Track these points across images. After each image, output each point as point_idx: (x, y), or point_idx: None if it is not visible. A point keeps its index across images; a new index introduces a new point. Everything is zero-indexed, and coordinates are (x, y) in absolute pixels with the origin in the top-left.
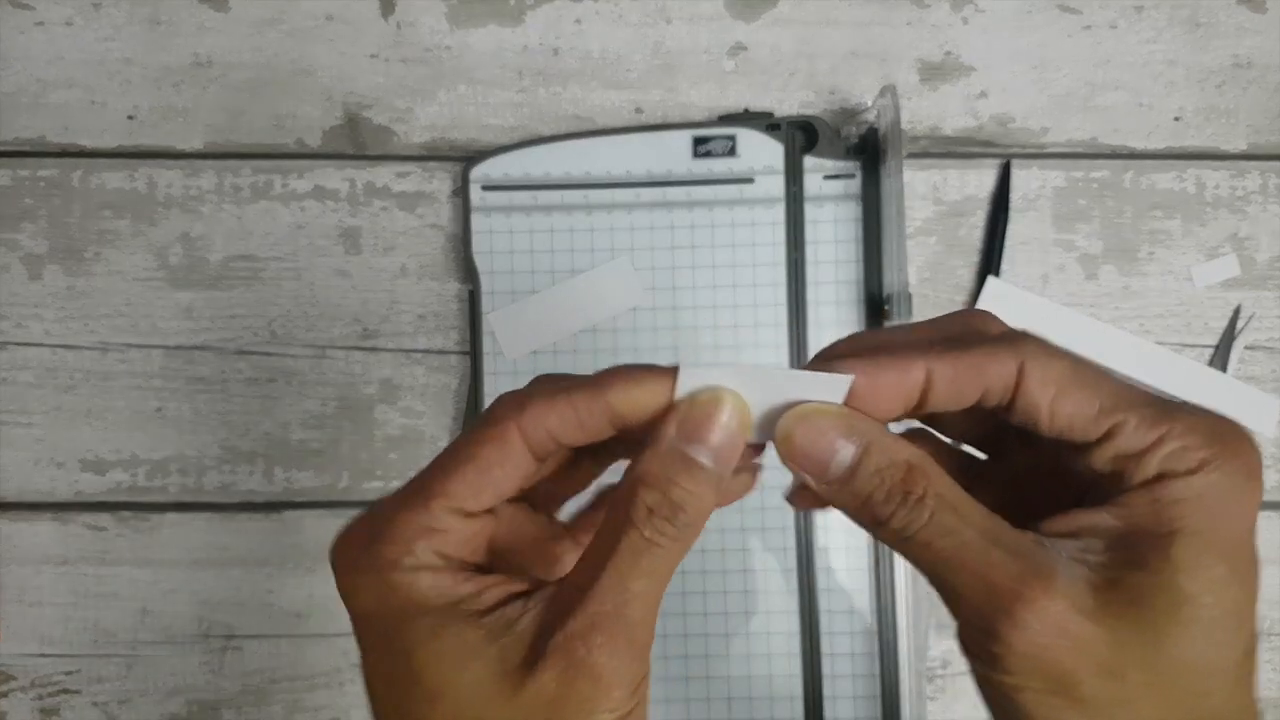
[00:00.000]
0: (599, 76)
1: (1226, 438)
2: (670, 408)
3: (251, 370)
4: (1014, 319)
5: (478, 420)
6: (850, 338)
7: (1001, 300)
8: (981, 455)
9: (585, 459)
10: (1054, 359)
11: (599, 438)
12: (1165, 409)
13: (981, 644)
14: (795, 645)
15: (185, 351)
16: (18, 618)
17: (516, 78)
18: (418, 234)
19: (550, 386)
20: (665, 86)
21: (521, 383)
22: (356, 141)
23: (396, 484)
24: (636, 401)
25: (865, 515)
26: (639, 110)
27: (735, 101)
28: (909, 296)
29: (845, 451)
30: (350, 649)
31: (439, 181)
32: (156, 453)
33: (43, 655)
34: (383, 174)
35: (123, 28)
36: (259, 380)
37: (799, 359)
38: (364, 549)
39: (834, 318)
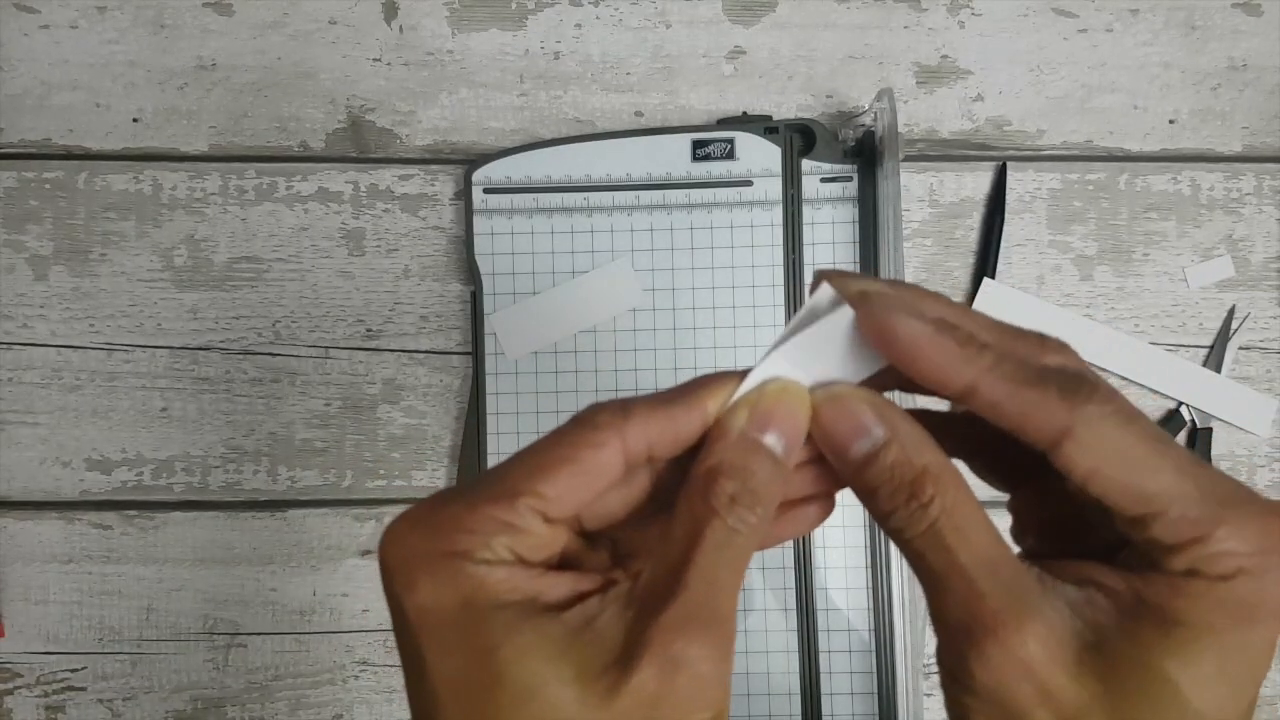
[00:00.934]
0: (599, 80)
1: (1274, 544)
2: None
3: (256, 370)
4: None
5: (572, 423)
6: (928, 296)
7: (997, 301)
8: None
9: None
10: (1108, 430)
11: (686, 446)
12: (1215, 506)
13: (951, 663)
14: (793, 643)
15: (190, 352)
16: (23, 616)
17: (518, 81)
18: (420, 236)
19: (646, 398)
20: (665, 90)
21: (522, 383)
22: (360, 144)
23: (400, 483)
24: (723, 399)
25: (871, 505)
26: (639, 114)
27: (734, 105)
28: None
29: (868, 440)
30: (354, 645)
31: (441, 184)
32: (161, 452)
33: (48, 653)
34: (385, 176)
35: (127, 30)
36: (263, 380)
37: None
38: (429, 539)
39: None
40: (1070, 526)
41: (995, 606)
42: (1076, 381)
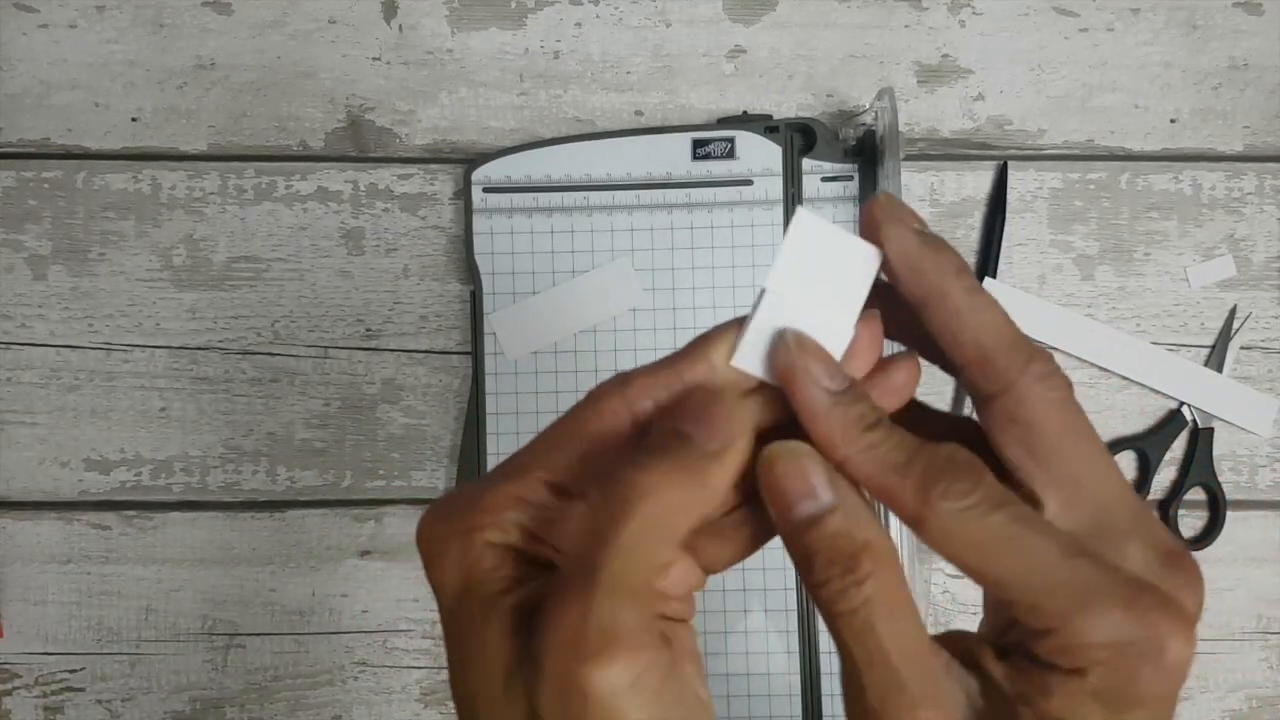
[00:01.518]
0: (599, 79)
1: (1138, 639)
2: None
3: (255, 370)
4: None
5: (578, 403)
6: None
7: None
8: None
9: None
10: (965, 521)
11: None
12: (1075, 596)
13: None
14: (794, 643)
15: (189, 352)
16: (22, 616)
17: (517, 80)
18: (420, 235)
19: (647, 365)
20: (665, 89)
21: (522, 382)
22: (359, 143)
23: (399, 483)
24: (727, 348)
25: (805, 572)
26: (639, 113)
27: (734, 104)
28: None
29: (814, 504)
30: (353, 646)
31: (441, 183)
32: (160, 452)
33: (47, 653)
34: (385, 176)
35: (126, 30)
36: (262, 380)
37: None
38: (447, 520)
39: None
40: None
41: (906, 704)
42: (941, 469)
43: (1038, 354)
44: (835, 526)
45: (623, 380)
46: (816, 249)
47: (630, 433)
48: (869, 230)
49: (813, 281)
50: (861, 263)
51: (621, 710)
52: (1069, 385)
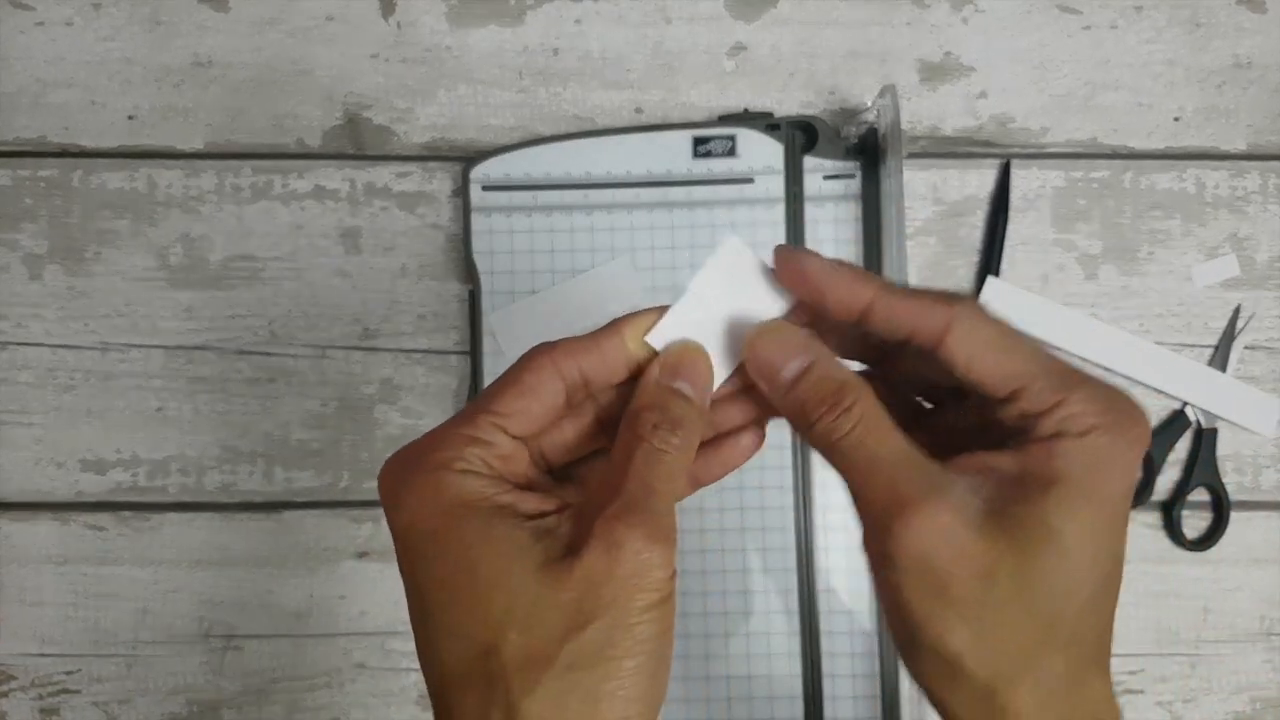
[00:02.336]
0: (599, 76)
1: (1119, 409)
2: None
3: (252, 370)
4: (1014, 319)
5: (515, 362)
6: (815, 256)
7: (1001, 300)
8: (927, 405)
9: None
10: (980, 322)
11: (615, 378)
12: (1068, 378)
13: (879, 544)
14: (795, 645)
15: (185, 351)
16: (18, 618)
17: (517, 78)
18: (418, 234)
19: (574, 337)
20: (665, 86)
21: None
22: (357, 141)
23: None
24: (640, 330)
25: (800, 418)
26: (639, 110)
27: (735, 102)
28: None
29: (795, 363)
30: (351, 647)
31: (439, 181)
32: (157, 453)
33: (43, 655)
34: (383, 174)
35: (123, 28)
36: (259, 380)
37: None
38: (415, 460)
39: None
40: (959, 444)
41: (913, 488)
42: (949, 293)
43: (958, 297)
44: (817, 373)
45: (550, 347)
46: (736, 273)
47: (559, 398)
48: (784, 272)
49: (726, 297)
50: (768, 304)
51: (650, 565)
52: (985, 309)
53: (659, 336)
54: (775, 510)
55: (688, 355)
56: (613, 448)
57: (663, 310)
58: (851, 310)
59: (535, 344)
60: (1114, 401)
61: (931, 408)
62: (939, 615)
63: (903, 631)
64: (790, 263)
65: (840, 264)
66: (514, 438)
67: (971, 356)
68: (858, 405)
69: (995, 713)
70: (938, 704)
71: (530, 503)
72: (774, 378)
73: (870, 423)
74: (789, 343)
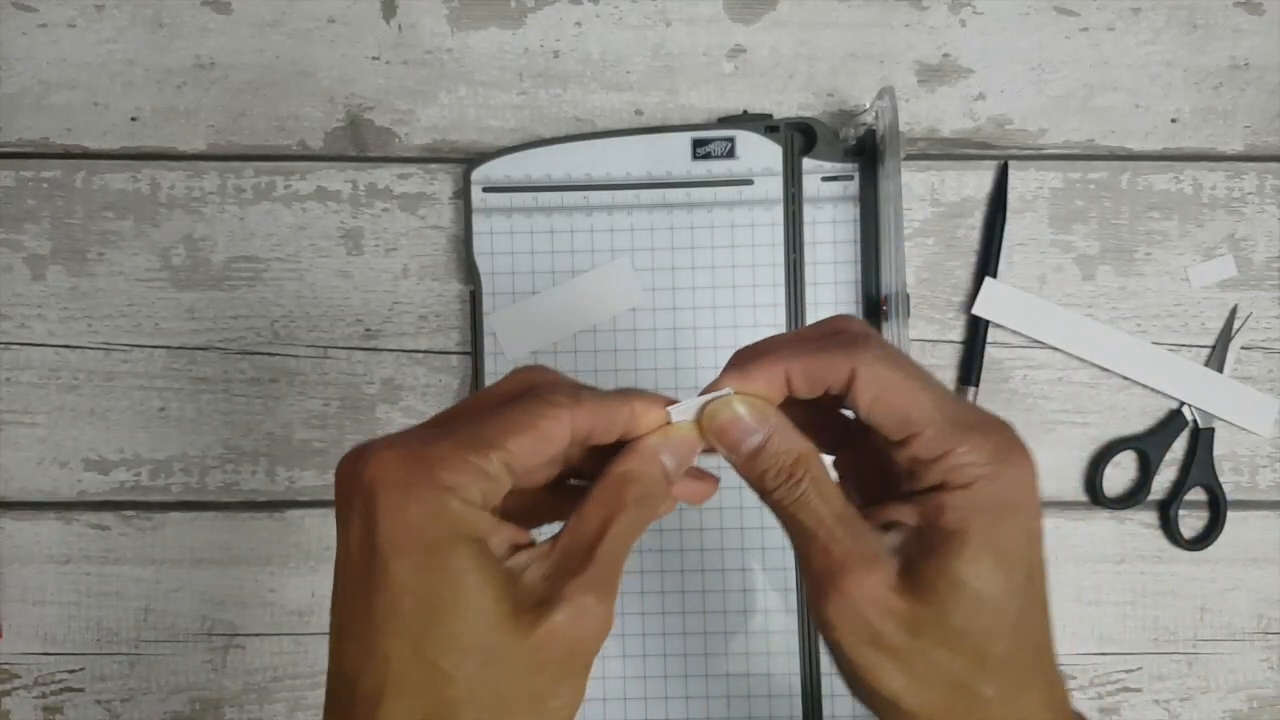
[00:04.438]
0: (599, 79)
1: (1001, 456)
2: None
3: (254, 370)
4: (1012, 319)
5: (534, 396)
6: (755, 345)
7: (999, 301)
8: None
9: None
10: (883, 365)
11: (608, 440)
12: (960, 424)
13: (818, 601)
14: (794, 644)
15: (188, 352)
16: (21, 616)
17: (517, 80)
18: (419, 235)
19: (592, 392)
20: (665, 88)
21: None
22: (358, 143)
23: None
24: (646, 415)
25: (759, 484)
26: (639, 112)
27: (734, 103)
28: (907, 297)
29: (754, 437)
30: None
31: (440, 183)
32: (159, 452)
33: (46, 654)
34: (384, 175)
35: (125, 29)
36: (261, 380)
37: None
38: (423, 472)
39: None
40: (879, 481)
41: (849, 551)
42: (854, 339)
43: (862, 340)
44: (772, 447)
45: (576, 397)
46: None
47: (565, 446)
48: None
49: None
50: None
51: (605, 627)
52: (890, 351)
53: (678, 413)
54: None
55: (681, 435)
56: (589, 499)
57: (668, 402)
58: (780, 388)
59: (549, 375)
60: (998, 449)
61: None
62: (875, 664)
63: (848, 677)
64: (723, 385)
65: (753, 361)
66: (513, 474)
67: (873, 400)
68: (807, 475)
69: (1030, 650)
70: None
71: (506, 536)
72: (737, 448)
73: (817, 490)
74: (749, 418)
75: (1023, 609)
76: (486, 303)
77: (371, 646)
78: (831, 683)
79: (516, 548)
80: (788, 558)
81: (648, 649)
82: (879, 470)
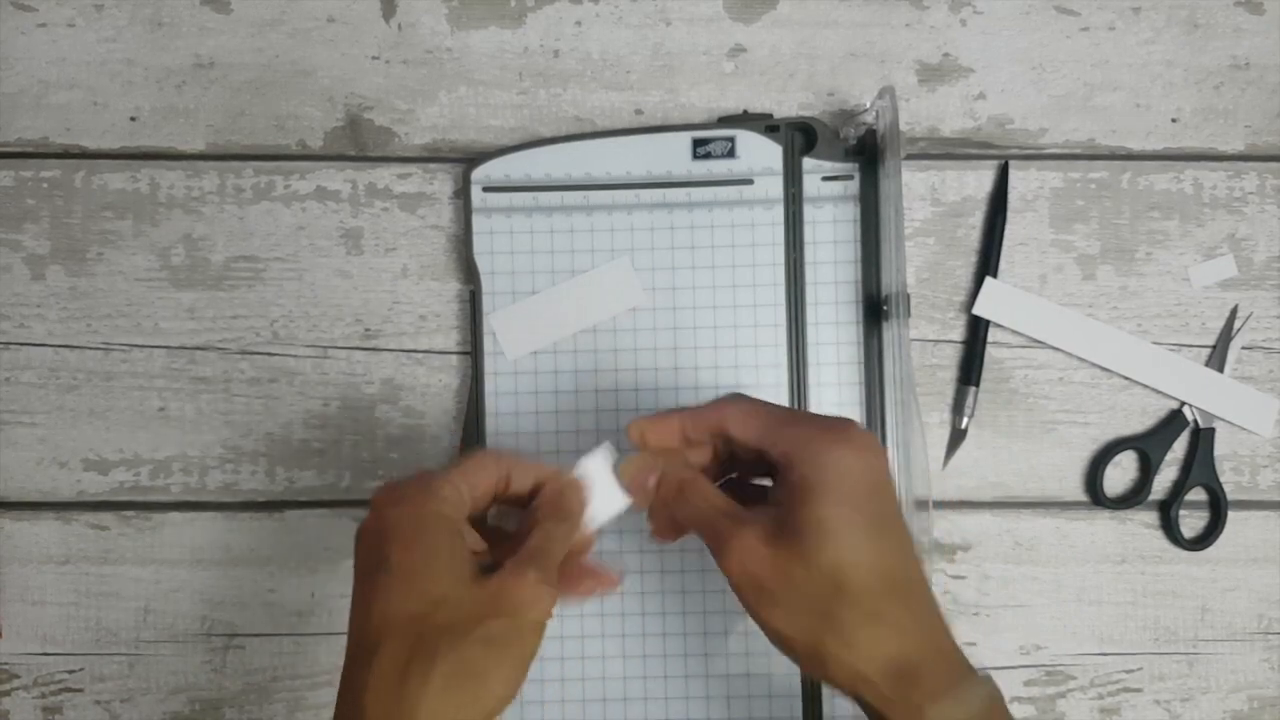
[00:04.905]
0: (599, 78)
1: (830, 425)
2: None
3: (253, 370)
4: (1012, 319)
5: (477, 455)
6: (656, 414)
7: (999, 300)
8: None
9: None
10: (741, 405)
11: (526, 488)
12: (793, 421)
13: (721, 567)
14: None
15: (187, 351)
16: (20, 617)
17: (517, 79)
18: (419, 235)
19: (517, 457)
20: (665, 88)
21: (522, 382)
22: (358, 143)
23: None
24: (546, 473)
25: (665, 509)
26: (639, 112)
27: (734, 103)
28: (907, 297)
29: (652, 478)
30: None
31: (440, 183)
32: (159, 452)
33: (45, 654)
34: (384, 175)
35: (124, 29)
36: (261, 380)
37: (797, 358)
38: (416, 483)
39: (833, 318)
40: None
41: (726, 527)
42: (726, 397)
43: (730, 398)
44: (666, 480)
45: (500, 458)
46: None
47: (497, 474)
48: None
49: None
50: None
51: (538, 594)
52: (749, 399)
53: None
54: None
55: (573, 488)
56: (522, 523)
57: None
58: (676, 437)
59: (490, 451)
60: (825, 423)
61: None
62: (759, 603)
63: (756, 621)
64: (639, 440)
65: (654, 418)
66: (469, 498)
67: (740, 429)
68: (690, 487)
69: (819, 663)
70: (795, 663)
71: (471, 534)
72: (642, 489)
73: (701, 495)
74: (645, 465)
75: (873, 540)
76: (486, 303)
77: (370, 610)
78: None
79: (477, 551)
80: None
81: (648, 649)
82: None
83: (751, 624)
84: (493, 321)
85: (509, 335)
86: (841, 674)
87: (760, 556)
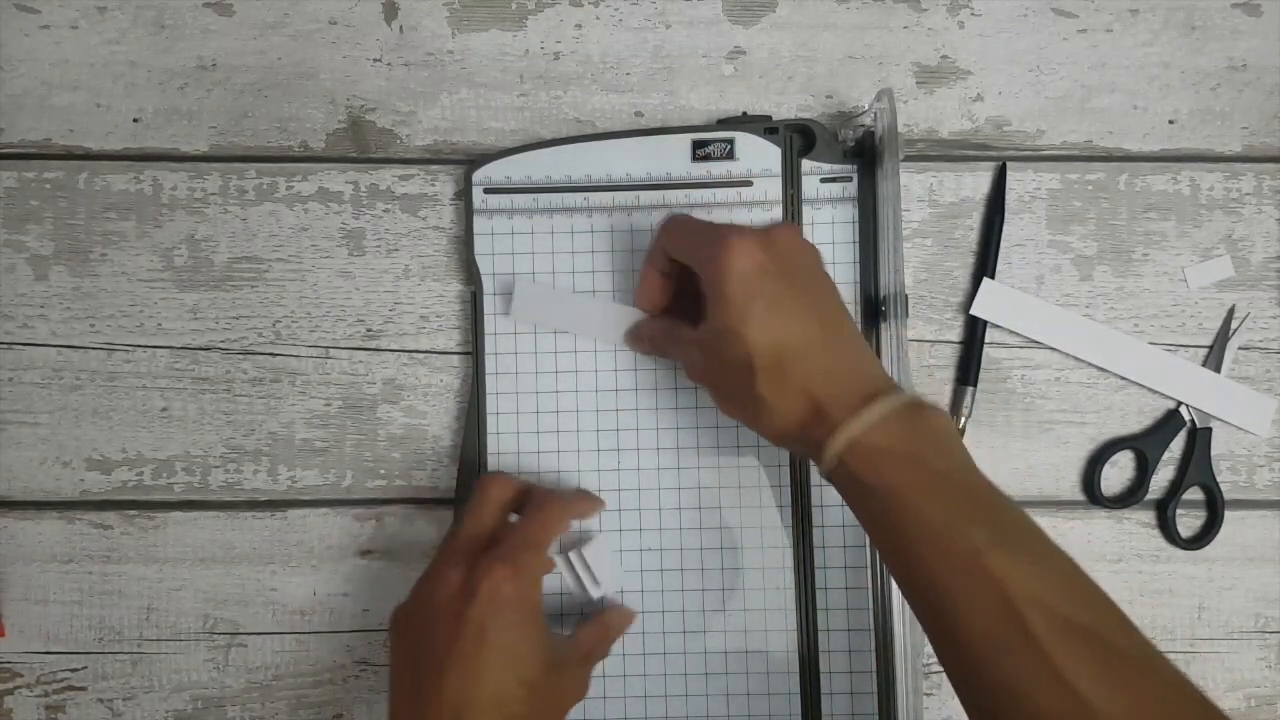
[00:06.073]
0: (599, 80)
1: (717, 242)
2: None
3: (256, 370)
4: (1010, 320)
5: (531, 508)
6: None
7: (997, 301)
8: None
9: None
10: (671, 234)
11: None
12: (694, 240)
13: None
14: (793, 642)
15: (190, 352)
16: (24, 615)
17: (518, 81)
18: (420, 236)
19: (532, 487)
20: (665, 90)
21: (522, 383)
22: (360, 144)
23: (400, 483)
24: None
25: (657, 350)
26: (639, 114)
27: (734, 105)
28: (905, 297)
29: (644, 327)
30: (354, 645)
31: (441, 184)
32: (162, 452)
33: (48, 652)
34: (386, 176)
35: (128, 31)
36: (263, 380)
37: None
38: (521, 564)
39: None
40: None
41: (679, 347)
42: (664, 223)
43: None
44: (650, 333)
45: (506, 481)
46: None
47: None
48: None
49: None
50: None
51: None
52: (688, 216)
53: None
54: (774, 508)
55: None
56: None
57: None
58: (662, 288)
59: (513, 482)
60: (713, 233)
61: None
62: (718, 402)
63: (735, 358)
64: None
65: (641, 287)
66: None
67: (676, 254)
68: (672, 333)
69: (762, 434)
70: (758, 398)
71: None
72: (642, 345)
73: (678, 335)
74: (637, 335)
75: (757, 327)
76: (487, 303)
77: (469, 678)
78: (830, 681)
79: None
80: (787, 557)
81: (647, 647)
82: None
83: (751, 621)
84: (518, 282)
85: (524, 302)
86: (775, 438)
87: (701, 365)
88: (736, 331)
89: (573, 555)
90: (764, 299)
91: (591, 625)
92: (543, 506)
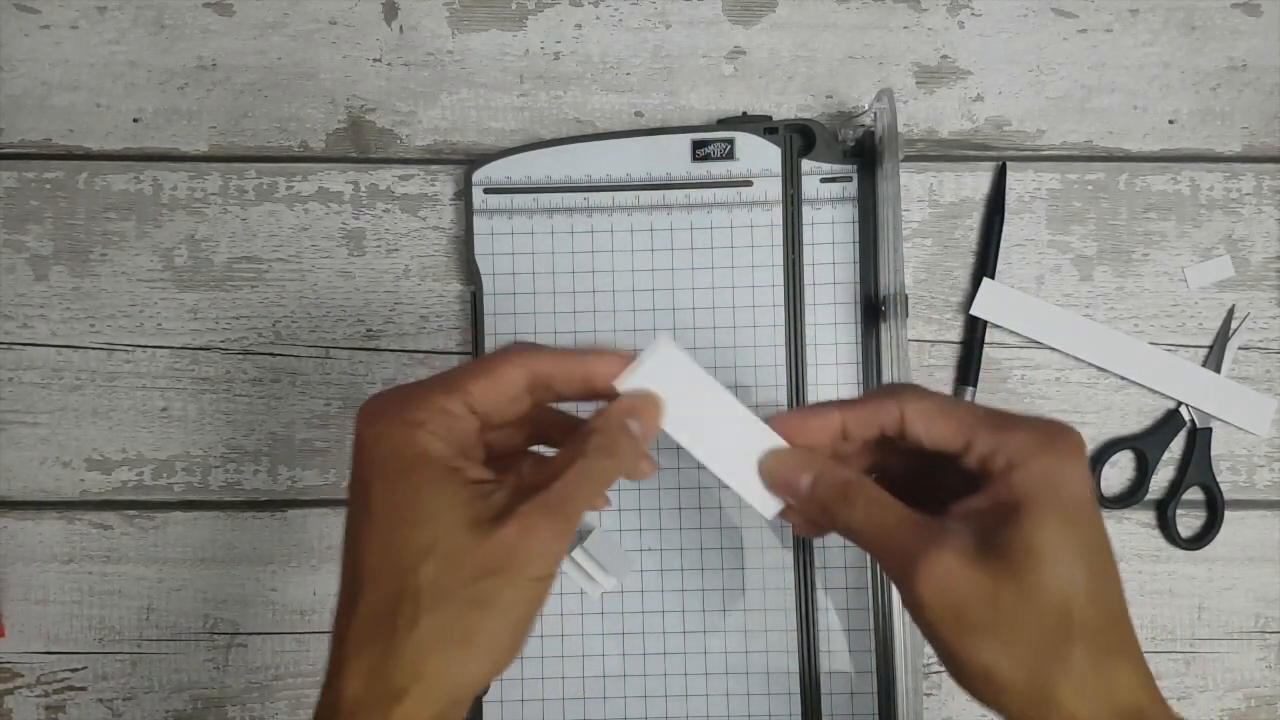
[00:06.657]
0: (599, 80)
1: (1052, 432)
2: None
3: (256, 370)
4: (1009, 320)
5: (497, 349)
6: (812, 405)
7: (997, 301)
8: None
9: (528, 437)
10: (924, 399)
11: (570, 391)
12: (1005, 421)
13: (905, 595)
14: (793, 642)
15: (190, 352)
16: (24, 615)
17: (518, 82)
18: (420, 236)
19: (555, 349)
20: (665, 90)
21: None
22: (360, 144)
23: None
24: (600, 364)
25: (824, 515)
26: (639, 114)
27: (734, 105)
28: (905, 298)
29: (806, 477)
30: None
31: (441, 184)
32: (162, 452)
33: (48, 653)
34: (386, 176)
35: (128, 31)
36: (263, 380)
37: (796, 359)
38: (397, 409)
39: (831, 319)
40: (949, 495)
41: (918, 542)
42: (894, 388)
43: (899, 388)
44: (825, 480)
45: (525, 348)
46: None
47: (522, 397)
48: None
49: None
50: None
51: (548, 549)
52: (924, 389)
53: (624, 384)
54: None
55: (649, 404)
56: (560, 449)
57: (629, 358)
58: (835, 432)
59: (528, 342)
60: (1048, 428)
61: (928, 484)
62: (966, 639)
63: (945, 659)
64: (786, 432)
65: (809, 410)
66: (476, 414)
67: (927, 428)
68: (861, 493)
69: (1040, 706)
70: (999, 713)
71: (475, 471)
72: (795, 490)
73: (874, 502)
74: (796, 463)
75: (1096, 571)
76: (487, 303)
77: (357, 553)
78: (830, 682)
79: (487, 481)
80: (787, 557)
81: (647, 648)
82: (929, 492)
83: (751, 622)
84: (661, 338)
85: (657, 364)
86: (1004, 703)
87: (965, 579)
88: (1066, 562)
89: (576, 553)
90: (1099, 537)
91: (560, 452)
92: (589, 454)
